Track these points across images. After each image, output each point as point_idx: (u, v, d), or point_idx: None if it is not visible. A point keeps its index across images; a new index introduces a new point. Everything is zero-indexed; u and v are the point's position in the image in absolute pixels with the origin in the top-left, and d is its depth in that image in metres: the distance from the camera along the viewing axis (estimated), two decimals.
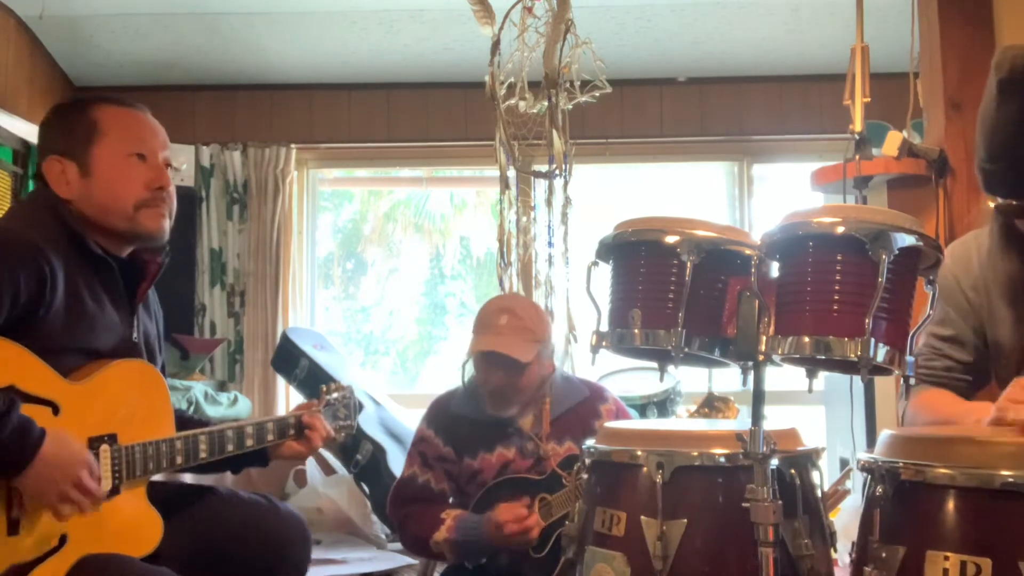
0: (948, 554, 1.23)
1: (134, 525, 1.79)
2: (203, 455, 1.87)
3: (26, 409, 1.56)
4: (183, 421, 1.96)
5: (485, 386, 2.38)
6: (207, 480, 2.33)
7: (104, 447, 1.71)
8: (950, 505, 1.25)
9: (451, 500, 2.45)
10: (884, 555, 1.28)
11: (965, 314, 1.82)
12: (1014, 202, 1.61)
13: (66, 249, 1.72)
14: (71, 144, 1.80)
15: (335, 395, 2.18)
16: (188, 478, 3.11)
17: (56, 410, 1.65)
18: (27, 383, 1.59)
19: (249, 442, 1.95)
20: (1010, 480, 1.20)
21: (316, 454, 3.80)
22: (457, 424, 2.44)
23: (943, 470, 1.26)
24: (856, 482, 2.56)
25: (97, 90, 4.50)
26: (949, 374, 1.83)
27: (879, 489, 1.31)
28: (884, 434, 1.43)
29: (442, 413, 2.48)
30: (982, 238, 1.82)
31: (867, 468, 1.36)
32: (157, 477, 1.87)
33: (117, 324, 1.80)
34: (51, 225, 1.74)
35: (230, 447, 1.92)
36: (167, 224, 1.87)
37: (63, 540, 1.64)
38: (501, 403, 2.38)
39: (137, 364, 1.83)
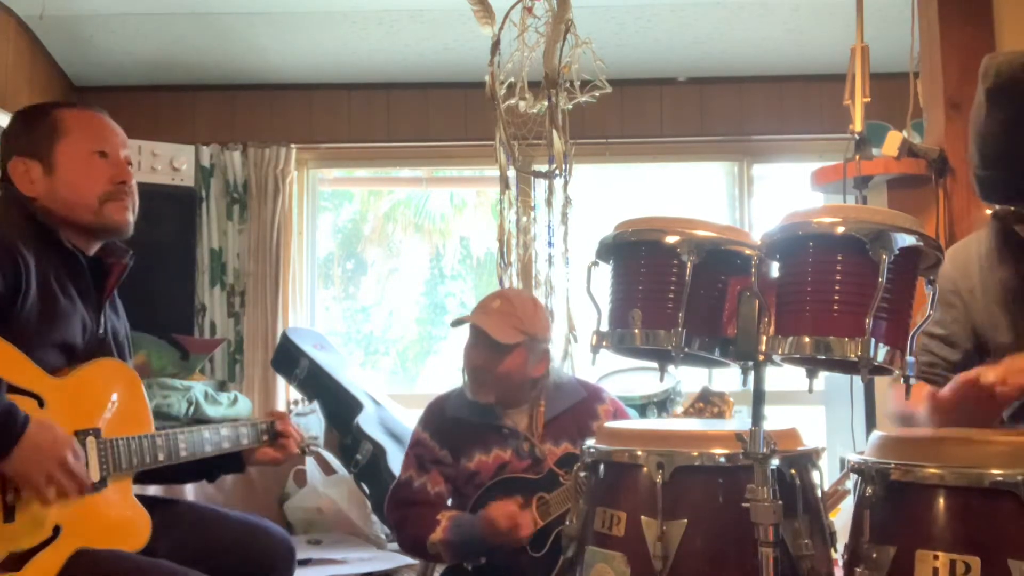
0: (938, 553, 1.23)
1: (124, 519, 1.83)
2: (184, 453, 1.92)
3: (12, 400, 1.59)
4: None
5: (467, 366, 2.43)
6: (206, 495, 2.36)
7: (90, 439, 1.76)
8: (940, 504, 1.26)
9: (449, 502, 2.46)
10: (875, 555, 1.29)
11: (960, 316, 1.82)
12: (1012, 208, 1.61)
13: (37, 244, 1.77)
14: (34, 144, 1.87)
15: (304, 408, 2.23)
16: (190, 494, 3.15)
17: (41, 403, 1.69)
18: (11, 376, 1.63)
19: (226, 444, 2.02)
20: (999, 479, 1.21)
21: (316, 454, 3.80)
22: (453, 426, 2.44)
23: (933, 470, 1.27)
24: (853, 482, 2.56)
25: (97, 90, 4.50)
26: (931, 370, 1.85)
27: (869, 489, 1.32)
28: (874, 435, 1.44)
29: (438, 416, 2.48)
30: (982, 241, 1.82)
31: (857, 469, 1.37)
32: (152, 491, 1.90)
33: (87, 319, 1.86)
34: (21, 222, 1.81)
35: (208, 448, 1.98)
36: (131, 217, 1.92)
37: (56, 531, 1.68)
38: (479, 386, 2.41)
39: (115, 363, 1.90)
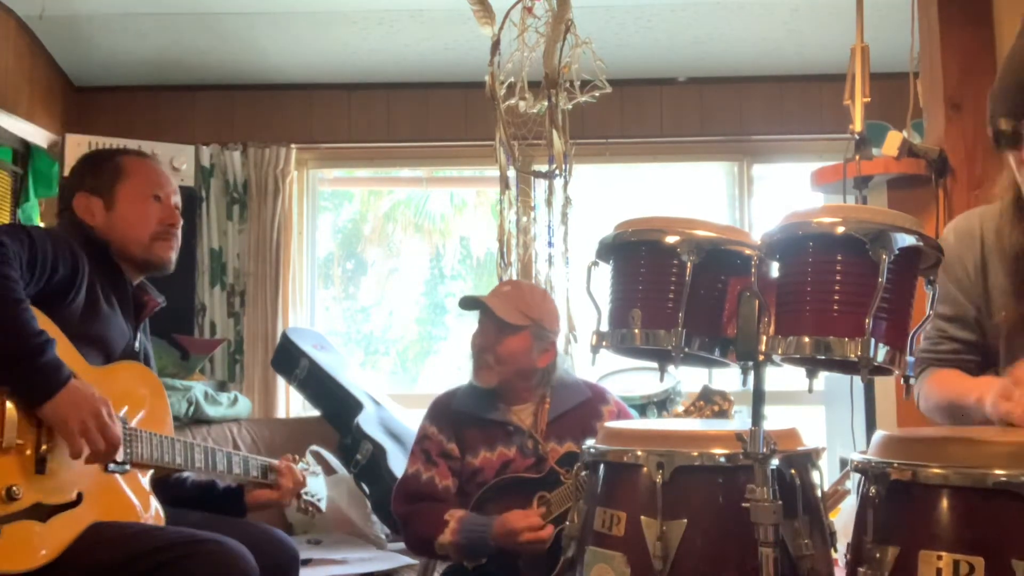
0: (941, 553, 1.23)
1: (141, 507, 1.94)
2: (199, 464, 2.06)
3: None
4: None
5: (472, 349, 2.48)
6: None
7: (117, 421, 1.85)
8: (943, 505, 1.25)
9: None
10: (878, 555, 1.28)
11: (965, 288, 1.80)
12: None
13: (91, 257, 1.98)
14: (99, 183, 2.10)
15: (310, 466, 2.37)
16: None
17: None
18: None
19: (236, 469, 2.16)
20: (1002, 479, 1.20)
21: (316, 454, 3.80)
22: (460, 421, 2.45)
23: (936, 470, 1.26)
24: (855, 482, 2.55)
25: (97, 90, 4.51)
26: (956, 356, 1.82)
27: (872, 489, 1.31)
28: (878, 434, 1.43)
29: (445, 410, 2.49)
30: (987, 216, 1.81)
31: (860, 468, 1.37)
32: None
33: (125, 332, 2.04)
34: (80, 239, 2.02)
35: (220, 467, 2.11)
36: (174, 256, 2.17)
37: (80, 497, 1.79)
38: (481, 369, 2.44)
39: (142, 367, 2.09)
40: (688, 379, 3.35)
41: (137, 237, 2.09)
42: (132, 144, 2.25)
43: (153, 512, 1.95)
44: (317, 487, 2.35)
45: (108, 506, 1.85)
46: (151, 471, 1.99)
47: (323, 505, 2.36)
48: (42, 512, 1.72)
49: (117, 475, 1.89)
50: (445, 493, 2.40)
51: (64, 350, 1.79)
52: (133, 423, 1.95)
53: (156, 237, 2.11)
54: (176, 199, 2.19)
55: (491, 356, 2.42)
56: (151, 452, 1.94)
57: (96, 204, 2.08)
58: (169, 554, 1.72)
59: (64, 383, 1.72)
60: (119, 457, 1.83)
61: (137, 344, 2.09)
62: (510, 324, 2.40)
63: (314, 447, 3.65)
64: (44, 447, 1.75)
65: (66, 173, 2.16)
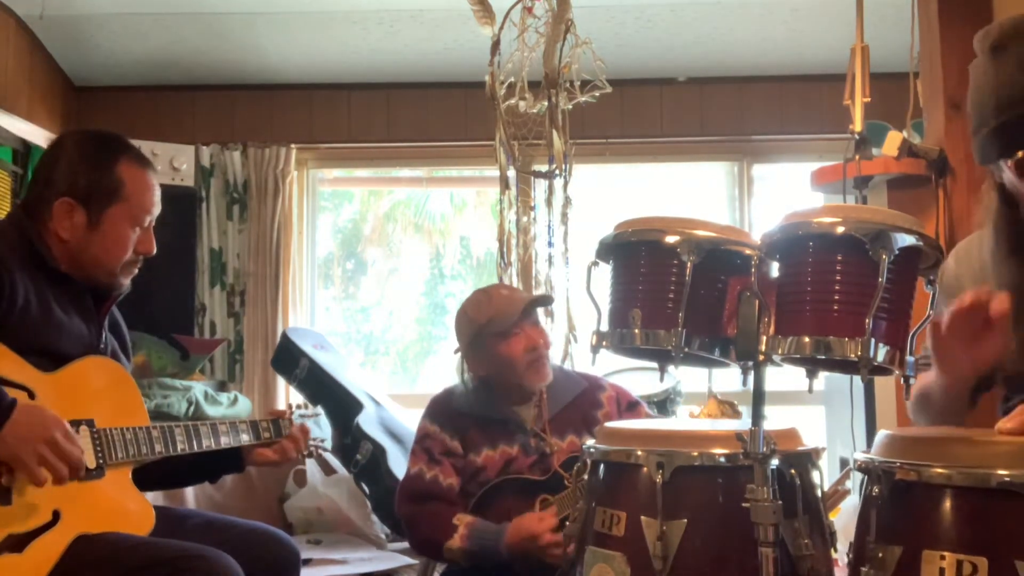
0: (945, 553, 1.23)
1: (125, 508, 1.84)
2: (181, 446, 1.94)
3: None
4: None
5: (530, 354, 2.37)
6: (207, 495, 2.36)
7: (83, 428, 1.78)
8: (946, 505, 1.25)
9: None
10: (881, 555, 1.28)
11: None
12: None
13: (29, 264, 1.81)
14: (91, 195, 1.87)
15: (307, 411, 2.30)
16: (191, 493, 3.14)
17: (31, 395, 1.71)
18: (1, 369, 1.65)
19: (224, 440, 2.04)
20: (1006, 479, 1.20)
21: (320, 457, 3.80)
22: (461, 419, 2.43)
23: (939, 470, 1.26)
24: (856, 482, 2.55)
25: (97, 90, 4.51)
26: None
27: (875, 489, 1.31)
28: (881, 434, 1.43)
29: (446, 408, 2.46)
30: (985, 238, 1.81)
31: (864, 468, 1.36)
32: (151, 496, 1.93)
33: (85, 334, 1.89)
34: (16, 242, 1.83)
35: (206, 442, 2.00)
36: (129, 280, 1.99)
37: (56, 515, 1.69)
38: (542, 366, 2.39)
39: (105, 360, 1.92)
40: (688, 379, 3.35)
41: (108, 266, 1.90)
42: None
43: (140, 511, 1.86)
44: (315, 432, 2.31)
45: (90, 516, 1.75)
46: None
47: (328, 444, 2.34)
48: (17, 542, 1.62)
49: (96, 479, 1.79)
50: (450, 491, 2.36)
51: (9, 363, 1.68)
52: (101, 421, 1.83)
53: (126, 265, 1.93)
54: (154, 216, 1.99)
55: (547, 349, 2.44)
56: (126, 449, 1.83)
57: (80, 217, 1.86)
58: (157, 572, 1.65)
59: (6, 416, 1.57)
60: (91, 465, 1.75)
61: (102, 343, 1.94)
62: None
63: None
64: (5, 479, 1.62)
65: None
